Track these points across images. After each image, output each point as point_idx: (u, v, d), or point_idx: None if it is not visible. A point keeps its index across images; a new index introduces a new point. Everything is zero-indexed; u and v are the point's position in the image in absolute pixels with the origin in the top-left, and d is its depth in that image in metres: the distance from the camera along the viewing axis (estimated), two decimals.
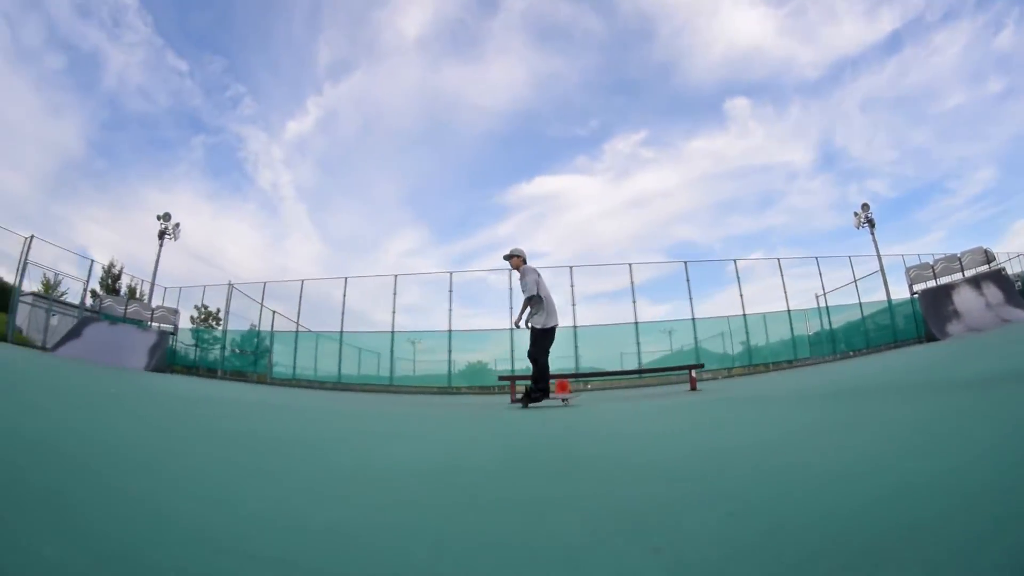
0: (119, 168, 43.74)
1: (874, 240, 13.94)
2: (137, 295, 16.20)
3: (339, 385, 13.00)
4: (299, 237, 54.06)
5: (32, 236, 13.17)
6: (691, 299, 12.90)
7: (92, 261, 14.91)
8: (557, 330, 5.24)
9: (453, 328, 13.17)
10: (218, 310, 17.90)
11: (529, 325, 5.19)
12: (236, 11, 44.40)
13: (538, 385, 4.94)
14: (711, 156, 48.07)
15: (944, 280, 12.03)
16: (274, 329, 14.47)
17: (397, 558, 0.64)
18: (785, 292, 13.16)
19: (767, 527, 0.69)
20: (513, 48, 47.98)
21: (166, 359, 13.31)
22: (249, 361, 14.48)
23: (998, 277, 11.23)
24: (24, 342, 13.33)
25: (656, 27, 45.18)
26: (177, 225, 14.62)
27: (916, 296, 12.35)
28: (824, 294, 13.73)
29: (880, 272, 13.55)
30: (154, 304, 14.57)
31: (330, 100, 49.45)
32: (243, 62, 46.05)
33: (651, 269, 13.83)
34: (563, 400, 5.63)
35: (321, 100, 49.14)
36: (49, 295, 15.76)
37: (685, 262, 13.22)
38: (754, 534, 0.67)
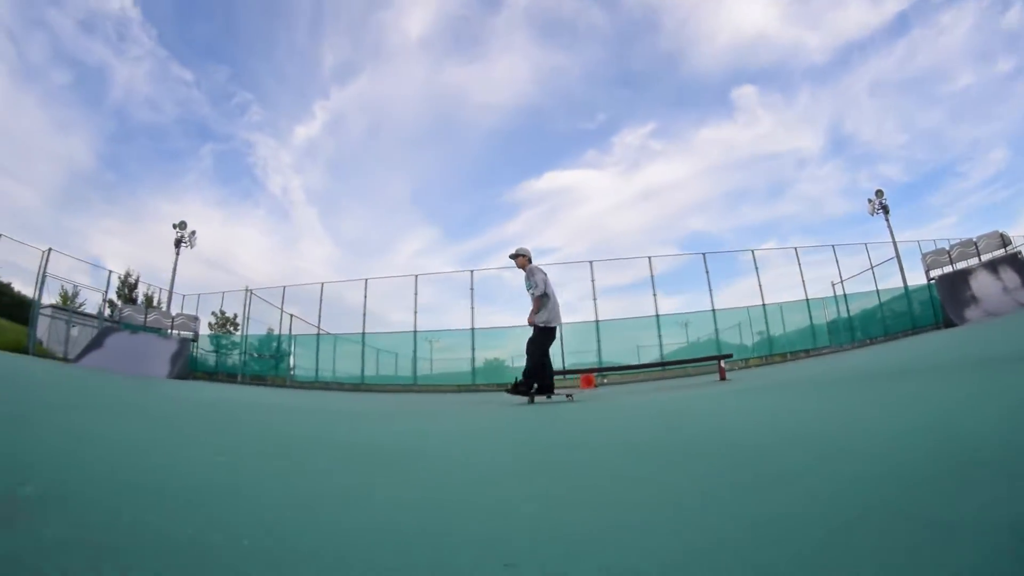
0: (129, 179, 44.23)
1: (889, 227, 14.00)
2: (154, 303, 16.33)
3: (361, 386, 13.10)
4: (311, 240, 54.36)
5: (49, 249, 13.28)
6: (711, 291, 12.96)
7: (110, 272, 15.08)
8: (562, 328, 5.31)
9: (475, 327, 13.24)
10: (235, 316, 18.06)
11: (530, 323, 5.28)
12: (238, 20, 44.61)
13: (527, 379, 5.01)
14: (720, 145, 48.05)
15: (960, 265, 12.06)
16: (292, 332, 14.59)
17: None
18: (803, 280, 13.22)
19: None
20: (517, 44, 47.98)
21: (188, 366, 13.43)
22: (270, 365, 14.59)
23: (1015, 261, 11.26)
24: (45, 354, 13.45)
25: (660, 17, 45.12)
26: (193, 233, 14.75)
27: (933, 282, 12.39)
28: (841, 281, 13.77)
29: (896, 259, 13.59)
30: (172, 312, 14.69)
31: (337, 104, 49.64)
32: (248, 70, 46.30)
33: (663, 262, 13.90)
34: (567, 396, 5.59)
35: (328, 104, 49.33)
36: (67, 307, 15.88)
37: (704, 254, 13.28)
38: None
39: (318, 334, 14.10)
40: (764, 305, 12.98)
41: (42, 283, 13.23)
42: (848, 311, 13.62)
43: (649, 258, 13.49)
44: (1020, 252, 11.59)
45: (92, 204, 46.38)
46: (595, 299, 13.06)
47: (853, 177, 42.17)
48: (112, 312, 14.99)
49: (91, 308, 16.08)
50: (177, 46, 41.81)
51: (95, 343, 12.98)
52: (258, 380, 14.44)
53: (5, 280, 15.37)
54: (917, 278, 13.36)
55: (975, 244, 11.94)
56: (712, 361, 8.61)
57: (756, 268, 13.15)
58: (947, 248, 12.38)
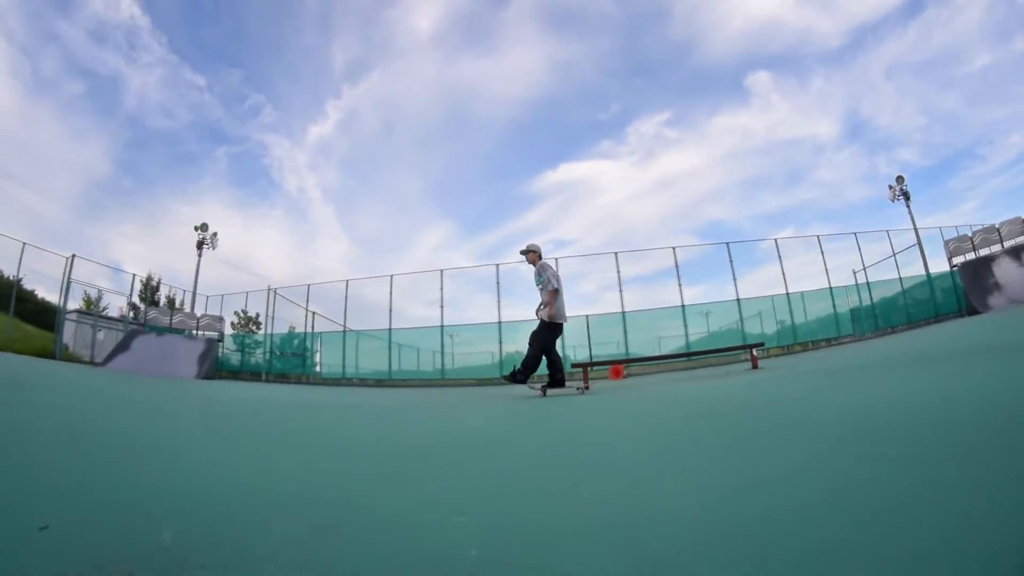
0: (147, 185, 44.67)
1: (910, 213, 13.95)
2: (177, 305, 16.52)
3: (387, 382, 13.25)
4: (328, 239, 54.54)
5: (73, 255, 13.44)
6: (735, 280, 13.02)
7: (133, 275, 15.26)
8: (567, 326, 5.42)
9: (499, 320, 13.35)
10: (257, 315, 18.22)
11: (538, 316, 5.37)
12: (247, 24, 44.67)
13: (525, 369, 5.11)
14: (736, 133, 47.56)
15: (983, 252, 12.02)
16: (315, 330, 14.74)
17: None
18: (826, 269, 13.26)
19: None
20: (527, 37, 47.69)
21: (214, 366, 13.60)
22: (295, 363, 14.76)
23: None
24: (72, 358, 13.65)
25: (671, 4, 44.58)
26: (215, 235, 14.89)
27: (956, 269, 12.36)
28: (864, 269, 13.76)
29: (918, 246, 13.57)
30: (197, 313, 14.86)
31: (349, 102, 49.67)
32: (260, 72, 46.38)
33: (683, 252, 13.92)
34: (578, 389, 5.62)
35: (340, 103, 49.37)
36: (92, 311, 16.08)
37: (727, 243, 13.33)
38: None
39: (344, 331, 14.25)
40: (788, 294, 13.02)
41: (67, 289, 13.40)
42: (872, 299, 13.62)
43: (674, 248, 13.57)
44: None
45: (111, 210, 46.89)
46: (620, 290, 13.13)
47: (872, 162, 41.55)
48: (136, 315, 15.16)
49: (112, 312, 16.28)
50: (187, 51, 42.04)
51: (122, 346, 13.09)
52: (282, 378, 14.61)
53: (29, 287, 15.59)
54: (939, 265, 13.36)
55: (997, 230, 11.90)
56: (741, 350, 8.69)
57: (779, 257, 13.19)
58: (969, 234, 12.34)
